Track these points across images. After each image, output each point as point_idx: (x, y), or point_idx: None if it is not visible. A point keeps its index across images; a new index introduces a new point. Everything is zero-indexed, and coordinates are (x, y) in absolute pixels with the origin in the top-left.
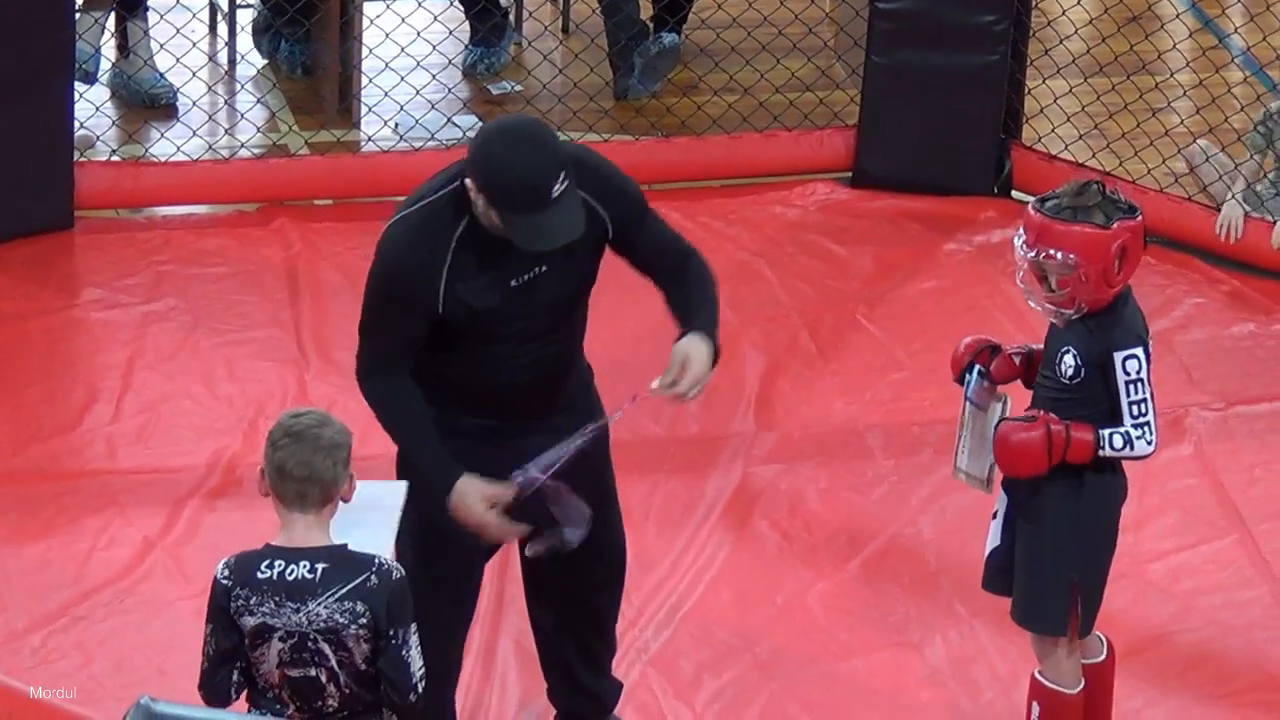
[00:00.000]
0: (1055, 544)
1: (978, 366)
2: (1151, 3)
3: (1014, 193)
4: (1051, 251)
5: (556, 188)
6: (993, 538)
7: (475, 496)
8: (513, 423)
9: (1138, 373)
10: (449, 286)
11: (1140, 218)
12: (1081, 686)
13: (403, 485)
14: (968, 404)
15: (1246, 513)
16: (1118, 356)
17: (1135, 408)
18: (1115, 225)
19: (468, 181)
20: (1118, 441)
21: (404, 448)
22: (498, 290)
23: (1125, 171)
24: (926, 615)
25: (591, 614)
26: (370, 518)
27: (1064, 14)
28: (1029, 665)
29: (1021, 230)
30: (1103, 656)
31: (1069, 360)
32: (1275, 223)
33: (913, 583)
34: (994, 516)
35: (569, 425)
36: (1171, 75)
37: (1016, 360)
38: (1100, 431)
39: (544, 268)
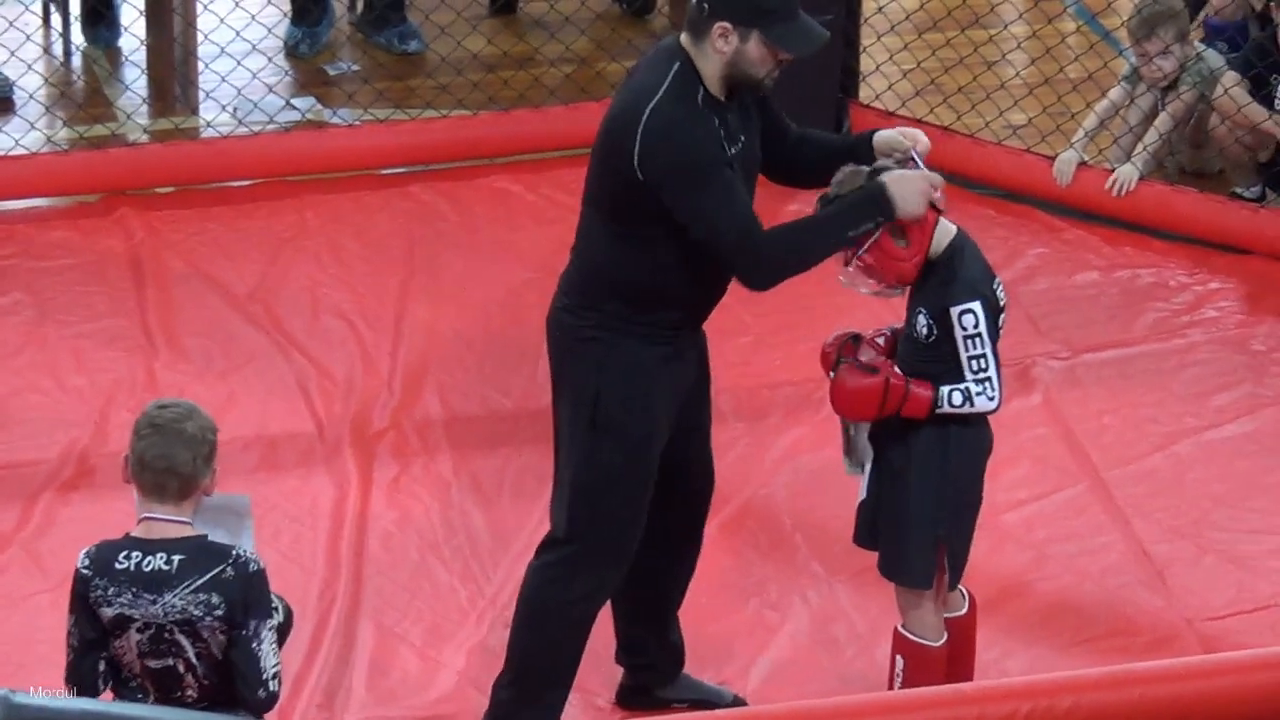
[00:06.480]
0: (921, 497)
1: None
2: None
3: None
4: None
5: None
6: (861, 490)
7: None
8: (698, 322)
9: (974, 327)
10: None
11: None
12: (945, 639)
13: (246, 498)
14: None
15: (1097, 460)
16: (954, 311)
17: (975, 362)
18: None
19: (723, 27)
20: (957, 399)
21: (833, 235)
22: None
23: (964, 125)
24: (785, 576)
25: (695, 552)
26: (227, 520)
27: None
28: (889, 622)
29: None
30: (964, 610)
31: (921, 320)
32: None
33: (770, 544)
34: (861, 470)
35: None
36: (1005, 28)
37: (881, 342)
38: (940, 389)
39: (743, 138)
